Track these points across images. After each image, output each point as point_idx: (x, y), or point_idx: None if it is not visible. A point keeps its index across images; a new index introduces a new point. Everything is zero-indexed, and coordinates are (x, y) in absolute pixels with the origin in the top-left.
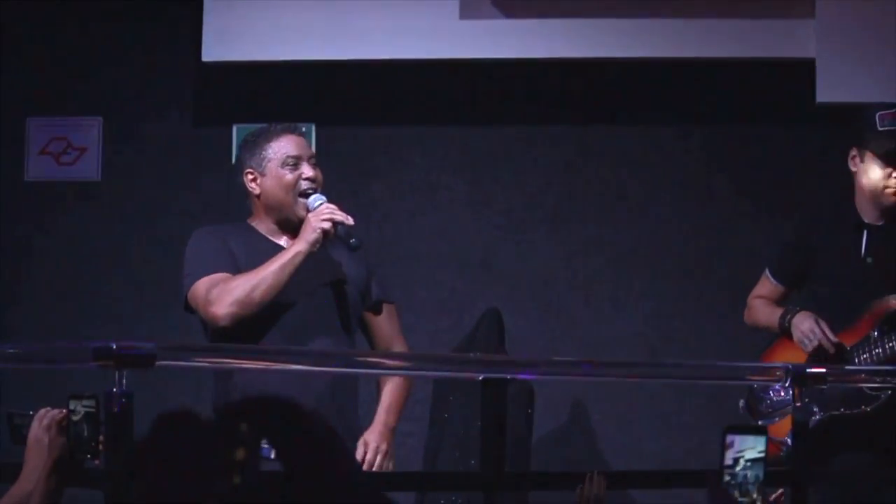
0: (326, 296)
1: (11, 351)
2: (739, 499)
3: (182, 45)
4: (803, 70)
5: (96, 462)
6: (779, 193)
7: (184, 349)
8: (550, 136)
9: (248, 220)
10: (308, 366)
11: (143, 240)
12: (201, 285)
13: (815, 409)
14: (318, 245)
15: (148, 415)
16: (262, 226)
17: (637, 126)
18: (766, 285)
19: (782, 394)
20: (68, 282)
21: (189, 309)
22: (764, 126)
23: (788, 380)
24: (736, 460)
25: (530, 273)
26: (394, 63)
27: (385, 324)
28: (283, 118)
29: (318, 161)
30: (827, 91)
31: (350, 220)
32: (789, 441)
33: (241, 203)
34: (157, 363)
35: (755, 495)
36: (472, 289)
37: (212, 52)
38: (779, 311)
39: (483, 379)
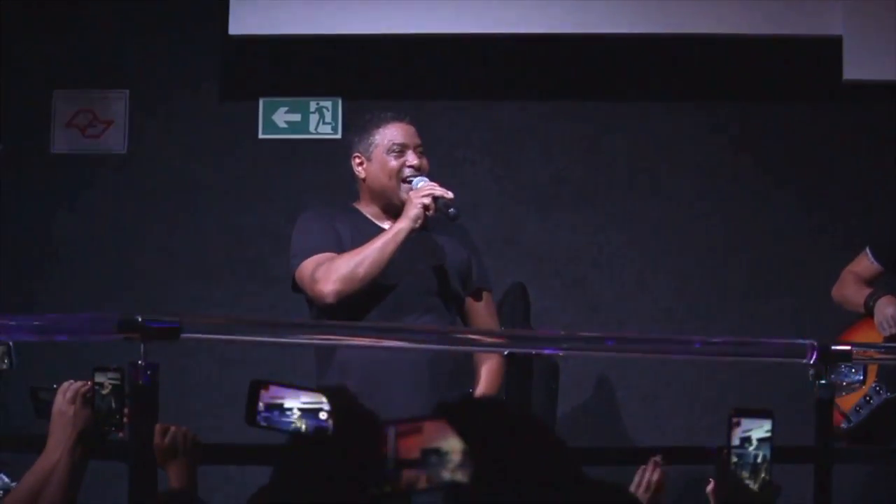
0: (427, 276)
1: (36, 323)
2: (747, 479)
3: (209, 18)
4: (830, 47)
5: (121, 434)
6: (804, 171)
7: (209, 322)
8: (576, 112)
9: (355, 204)
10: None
11: (168, 213)
12: (308, 264)
13: (884, 390)
14: (419, 221)
15: (172, 387)
16: (368, 209)
17: (663, 103)
18: (864, 262)
19: (853, 370)
20: (93, 255)
21: (296, 289)
22: (790, 103)
23: (814, 357)
24: (743, 441)
25: (555, 249)
26: (420, 38)
27: (483, 310)
28: (309, 92)
29: (347, 136)
30: (854, 69)
31: (450, 195)
32: (852, 417)
33: (272, 178)
34: (182, 336)
35: (763, 475)
36: (497, 265)
37: (239, 25)
38: (866, 291)
39: (508, 354)
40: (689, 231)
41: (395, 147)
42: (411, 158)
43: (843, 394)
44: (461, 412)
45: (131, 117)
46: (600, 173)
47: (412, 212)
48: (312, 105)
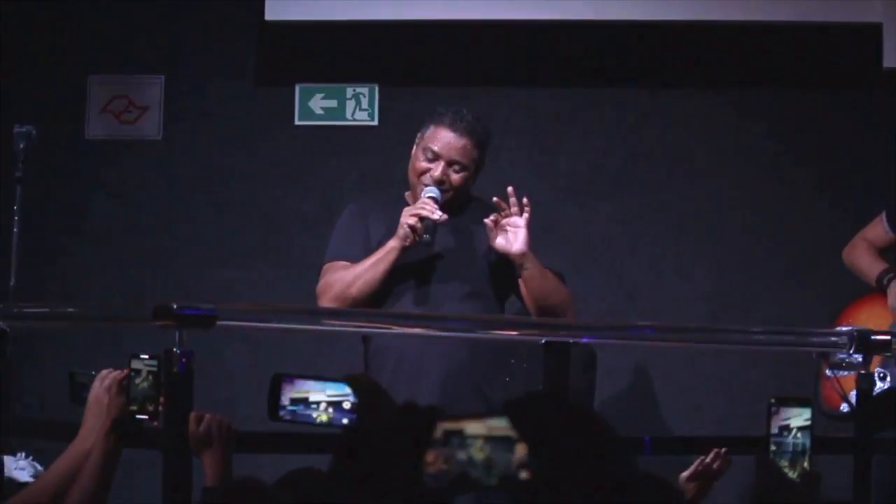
0: (465, 264)
1: (72, 311)
2: (787, 468)
3: (245, 3)
4: (869, 35)
5: (155, 423)
6: (842, 160)
7: (244, 310)
8: (615, 99)
9: (406, 192)
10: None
11: (203, 200)
12: (324, 269)
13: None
14: (409, 240)
15: (207, 375)
16: (412, 198)
17: (702, 91)
18: (878, 230)
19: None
20: (128, 241)
21: None
22: (829, 91)
23: (853, 346)
24: (782, 430)
25: (593, 237)
26: (458, 24)
27: None
28: (345, 78)
29: (384, 123)
30: (894, 56)
31: (437, 216)
32: (853, 399)
33: (308, 164)
34: (218, 323)
35: (803, 464)
36: (535, 252)
37: (275, 10)
38: (880, 266)
39: (545, 342)
40: (728, 219)
41: (429, 151)
42: (437, 171)
43: (846, 373)
44: (525, 408)
45: (166, 103)
46: (638, 161)
47: (400, 232)
48: (349, 91)
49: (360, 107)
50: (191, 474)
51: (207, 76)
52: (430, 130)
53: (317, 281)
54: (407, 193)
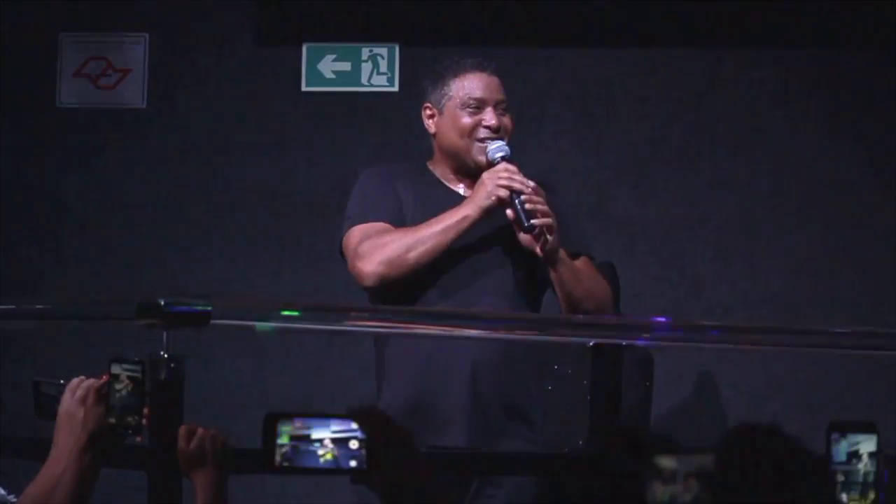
0: (498, 254)
1: (40, 307)
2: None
3: None
4: None
5: (139, 438)
6: None
7: (243, 306)
8: (676, 60)
9: (427, 162)
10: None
11: (195, 179)
12: (355, 233)
13: None
14: (490, 213)
15: (200, 383)
16: (439, 169)
17: (776, 50)
18: None
19: None
20: (108, 228)
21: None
22: None
23: None
24: (851, 457)
25: (650, 221)
26: None
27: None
28: (361, 37)
29: (405, 89)
30: None
31: (530, 187)
32: None
33: (318, 138)
34: (213, 322)
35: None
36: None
37: None
38: None
39: (594, 345)
40: (810, 199)
41: (471, 102)
42: (489, 117)
43: None
44: (738, 444)
45: (151, 66)
46: (704, 132)
47: (484, 202)
48: (365, 52)
49: (377, 70)
50: (180, 498)
51: (199, 34)
52: (457, 83)
53: (329, 271)
54: (429, 163)
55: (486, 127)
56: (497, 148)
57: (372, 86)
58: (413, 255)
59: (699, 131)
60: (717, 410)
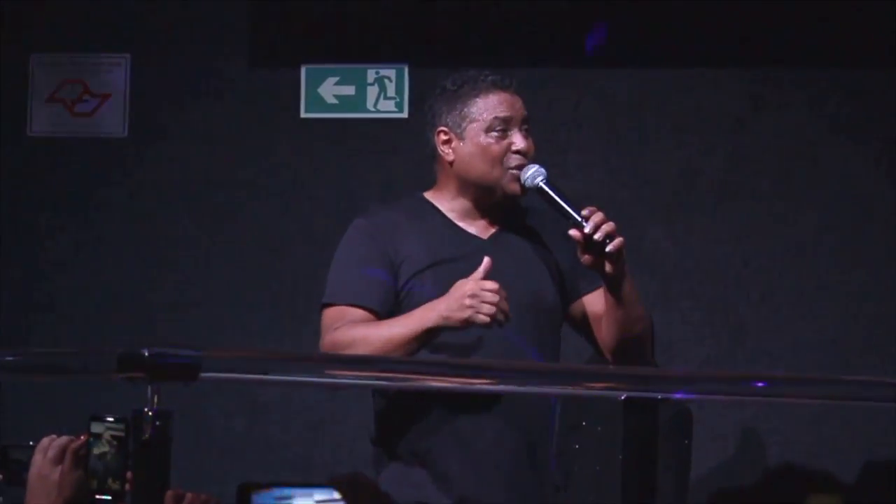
0: (520, 287)
1: (9, 359)
2: None
3: None
4: None
5: None
6: None
7: (236, 357)
8: (716, 81)
9: (427, 194)
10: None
11: (184, 216)
12: (327, 317)
13: None
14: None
15: (189, 442)
16: (448, 203)
17: (828, 70)
18: None
19: None
20: (86, 270)
21: None
22: None
23: None
24: None
25: (687, 262)
26: None
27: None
28: (367, 58)
29: (416, 115)
30: None
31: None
32: None
33: (318, 169)
34: (203, 375)
35: None
36: None
37: None
38: None
39: (626, 399)
40: (866, 237)
41: (497, 123)
42: (518, 140)
43: None
44: None
45: (133, 90)
46: (746, 162)
47: (456, 315)
48: (371, 74)
49: (384, 94)
50: None
51: (186, 55)
52: (479, 103)
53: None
54: (428, 194)
55: (517, 152)
56: (534, 174)
57: (378, 111)
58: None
59: (741, 161)
60: (764, 472)
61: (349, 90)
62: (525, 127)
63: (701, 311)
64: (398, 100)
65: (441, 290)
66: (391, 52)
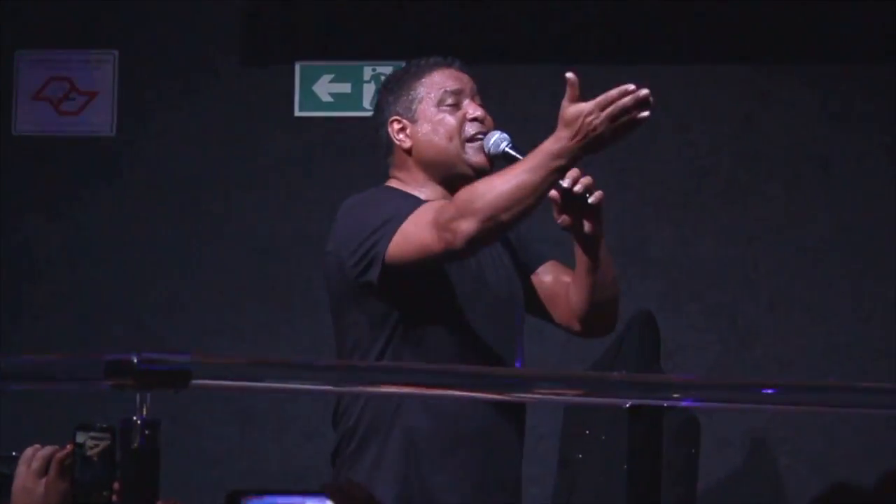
0: (501, 284)
1: None
2: None
3: None
4: None
5: None
6: None
7: (229, 364)
8: (722, 77)
9: (394, 185)
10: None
11: (173, 217)
12: (418, 219)
13: None
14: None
15: (179, 451)
16: (424, 192)
17: (839, 65)
18: None
19: None
20: (73, 274)
21: (369, 286)
22: None
23: None
24: None
25: (694, 264)
26: None
27: (557, 269)
28: (363, 55)
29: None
30: None
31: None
32: None
33: (313, 170)
34: (193, 383)
35: None
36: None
37: None
38: None
39: (631, 406)
40: (879, 238)
41: (447, 97)
42: (471, 109)
43: None
44: None
45: (122, 88)
46: (757, 161)
47: (585, 143)
48: (367, 72)
49: None
50: None
51: (177, 52)
52: (425, 83)
53: (329, 322)
54: (392, 182)
55: (473, 119)
56: (497, 139)
57: None
58: (515, 206)
59: (750, 160)
60: (774, 482)
61: (345, 88)
62: (478, 100)
63: (708, 315)
64: None
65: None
66: (389, 49)
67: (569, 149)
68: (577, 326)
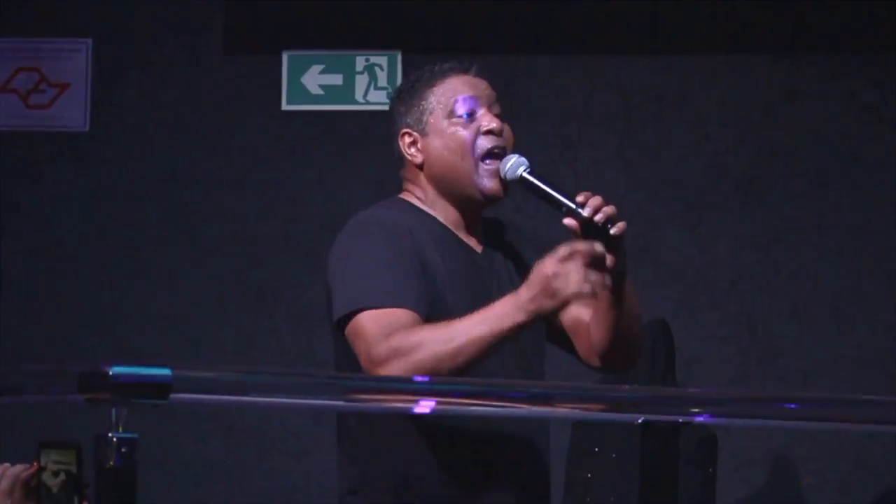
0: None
1: None
2: None
3: None
4: None
5: None
6: None
7: (211, 376)
8: (743, 68)
9: (406, 198)
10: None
11: (152, 218)
12: (369, 322)
13: None
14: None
15: (157, 469)
16: (441, 212)
17: (868, 56)
18: None
19: None
20: (43, 279)
21: (341, 330)
22: None
23: None
24: None
25: (711, 269)
26: None
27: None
28: (355, 44)
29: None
30: None
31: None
32: None
33: (302, 168)
34: (174, 396)
35: None
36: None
37: None
38: None
39: (644, 422)
40: None
41: (460, 107)
42: (486, 120)
43: None
44: None
45: (95, 79)
46: (777, 158)
47: (545, 303)
48: (360, 62)
49: (375, 84)
50: None
51: (154, 40)
52: (437, 91)
53: (318, 330)
54: (405, 195)
55: (488, 132)
56: (515, 164)
57: (368, 103)
58: (460, 360)
59: (772, 157)
60: (798, 497)
61: (336, 79)
62: (496, 110)
63: (727, 324)
64: (390, 90)
65: (458, 305)
66: (382, 38)
67: (531, 311)
68: (596, 363)
